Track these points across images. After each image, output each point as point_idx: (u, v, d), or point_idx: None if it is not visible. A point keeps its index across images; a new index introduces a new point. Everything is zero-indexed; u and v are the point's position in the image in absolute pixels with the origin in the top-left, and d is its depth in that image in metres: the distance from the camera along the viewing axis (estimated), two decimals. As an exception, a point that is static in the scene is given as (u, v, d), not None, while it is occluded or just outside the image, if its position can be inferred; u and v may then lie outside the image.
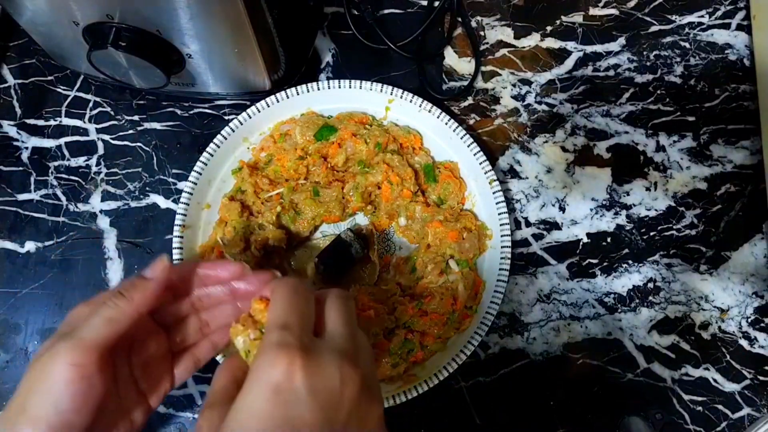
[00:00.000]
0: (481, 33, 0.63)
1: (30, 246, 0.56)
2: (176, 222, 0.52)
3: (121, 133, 0.59)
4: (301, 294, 0.34)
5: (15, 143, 0.58)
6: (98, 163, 0.58)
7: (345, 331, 0.33)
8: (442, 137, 0.56)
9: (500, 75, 0.62)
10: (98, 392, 0.31)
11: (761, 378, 0.54)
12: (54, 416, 0.30)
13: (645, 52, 0.63)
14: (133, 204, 0.57)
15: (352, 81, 0.56)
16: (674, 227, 0.58)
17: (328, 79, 0.61)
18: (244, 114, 0.55)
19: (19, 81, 0.60)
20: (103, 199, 0.57)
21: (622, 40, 0.63)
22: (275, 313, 0.32)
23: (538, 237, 0.57)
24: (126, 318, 0.33)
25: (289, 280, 0.35)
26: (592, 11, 0.64)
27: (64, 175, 0.58)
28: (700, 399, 0.54)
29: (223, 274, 0.39)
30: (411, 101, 0.55)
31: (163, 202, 0.57)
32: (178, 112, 0.60)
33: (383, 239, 0.56)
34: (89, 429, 0.32)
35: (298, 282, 0.34)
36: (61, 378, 0.30)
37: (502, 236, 0.53)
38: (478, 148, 0.55)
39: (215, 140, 0.54)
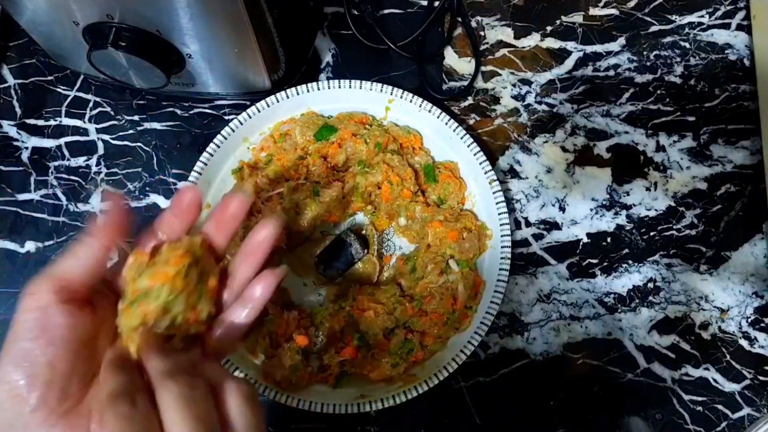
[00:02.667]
0: (481, 33, 0.63)
1: (30, 246, 0.56)
2: (176, 222, 0.52)
3: (121, 133, 0.59)
4: (200, 402, 0.27)
5: (15, 143, 0.58)
6: (98, 163, 0.58)
7: None
8: (442, 137, 0.56)
9: (500, 75, 0.62)
10: (58, 324, 0.29)
11: (761, 378, 0.54)
12: (13, 344, 0.29)
13: (645, 52, 0.63)
14: (133, 204, 0.57)
15: (352, 81, 0.56)
16: (674, 227, 0.58)
17: (328, 79, 0.61)
18: (244, 114, 0.55)
19: (19, 81, 0.60)
20: (103, 199, 0.57)
21: (622, 40, 0.63)
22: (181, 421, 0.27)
23: (538, 237, 0.57)
24: (87, 250, 0.30)
25: (180, 381, 0.28)
26: (592, 11, 0.64)
27: (64, 175, 0.58)
28: (700, 399, 0.54)
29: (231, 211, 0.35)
30: (411, 101, 0.55)
31: (163, 202, 0.57)
32: (178, 112, 0.60)
33: (383, 239, 0.56)
34: (67, 370, 0.29)
35: (191, 381, 0.28)
36: (19, 308, 0.30)
37: (502, 236, 0.53)
38: (478, 148, 0.55)
39: (215, 140, 0.54)
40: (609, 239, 0.57)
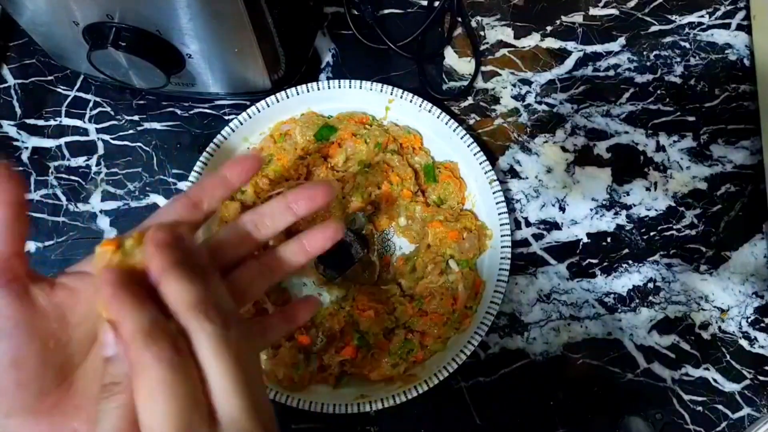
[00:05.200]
0: (481, 33, 0.63)
1: (30, 246, 0.56)
2: (176, 222, 0.52)
3: (121, 133, 0.59)
4: (184, 372, 0.24)
5: (15, 143, 0.58)
6: (98, 163, 0.58)
7: (242, 408, 0.25)
8: (442, 137, 0.56)
9: (500, 75, 0.62)
10: (8, 313, 0.27)
11: (761, 378, 0.54)
12: None
13: (645, 52, 0.63)
14: (133, 204, 0.57)
15: (352, 81, 0.56)
16: (674, 227, 0.58)
17: (328, 79, 0.61)
18: (244, 114, 0.55)
19: (19, 81, 0.60)
20: (103, 199, 0.57)
21: (622, 40, 0.63)
22: (155, 418, 0.24)
23: (538, 237, 0.57)
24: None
25: (165, 355, 0.24)
26: (592, 11, 0.64)
27: (64, 175, 0.58)
28: (700, 399, 0.54)
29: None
30: (411, 101, 0.55)
31: (163, 202, 0.57)
32: (178, 112, 0.60)
33: (383, 239, 0.56)
34: (36, 365, 0.27)
35: (173, 350, 0.25)
36: None
37: (502, 236, 0.53)
38: (478, 148, 0.55)
39: (215, 140, 0.54)
40: (609, 239, 0.57)
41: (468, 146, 0.55)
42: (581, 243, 0.57)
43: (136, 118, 0.59)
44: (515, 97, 0.61)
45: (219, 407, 0.25)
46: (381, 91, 0.56)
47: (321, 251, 0.35)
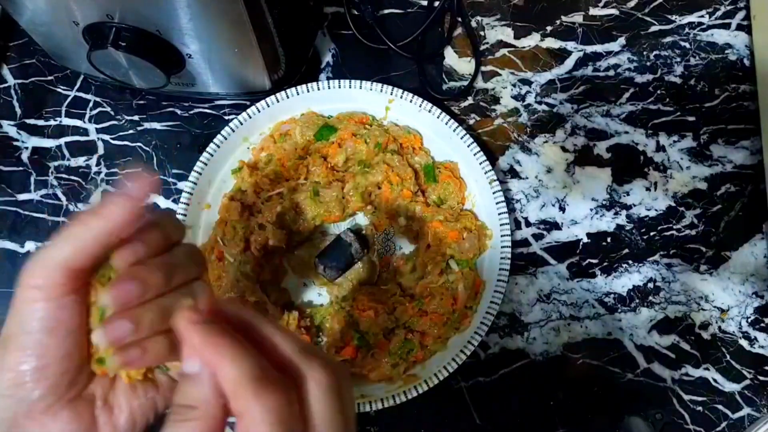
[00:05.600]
0: (481, 33, 0.63)
1: (30, 246, 0.56)
2: (176, 222, 0.52)
3: (121, 133, 0.59)
4: (293, 417, 0.24)
5: (15, 143, 0.58)
6: (98, 163, 0.58)
7: None
8: (442, 137, 0.56)
9: (500, 75, 0.62)
10: (73, 315, 0.28)
11: (761, 378, 0.54)
12: (22, 336, 0.27)
13: (645, 52, 0.62)
14: (133, 204, 0.57)
15: (352, 81, 0.56)
16: (674, 227, 0.58)
17: (328, 79, 0.61)
18: (244, 114, 0.55)
19: (19, 81, 0.60)
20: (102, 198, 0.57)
21: (622, 40, 0.63)
22: None
23: (538, 237, 0.57)
24: (93, 235, 0.27)
25: (272, 405, 0.24)
26: (592, 11, 0.64)
27: (64, 175, 0.58)
28: (700, 399, 0.54)
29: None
30: (411, 101, 0.55)
31: (163, 202, 0.57)
32: (178, 112, 0.60)
33: (383, 239, 0.56)
34: (80, 360, 0.28)
35: (283, 399, 0.24)
36: (24, 299, 0.27)
37: (502, 236, 0.53)
38: (478, 148, 0.55)
39: (215, 140, 0.54)
40: (609, 239, 0.57)
41: (468, 146, 0.55)
42: (581, 243, 0.57)
43: (136, 118, 0.59)
44: (515, 97, 0.61)
45: None
46: (381, 91, 0.56)
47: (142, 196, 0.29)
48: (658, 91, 0.61)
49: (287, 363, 0.26)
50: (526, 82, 0.62)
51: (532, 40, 0.63)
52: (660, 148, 0.60)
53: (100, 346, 0.28)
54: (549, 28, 0.63)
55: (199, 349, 0.25)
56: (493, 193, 0.54)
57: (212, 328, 0.25)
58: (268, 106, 0.55)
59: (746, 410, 0.53)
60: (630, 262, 0.57)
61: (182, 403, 0.25)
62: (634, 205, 0.58)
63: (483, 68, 0.62)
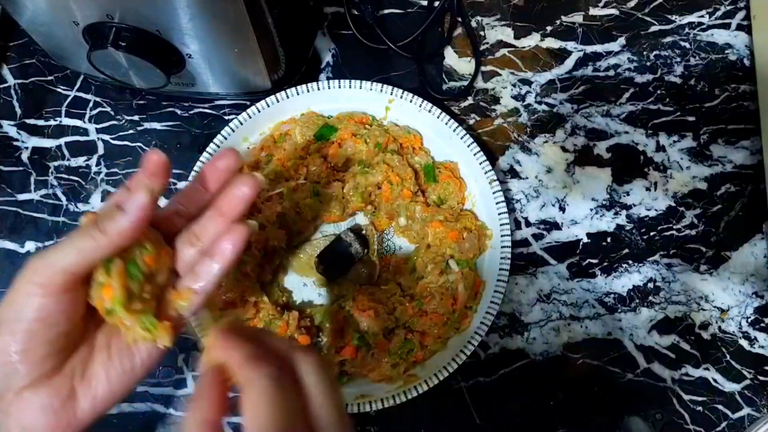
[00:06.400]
0: (481, 33, 0.63)
1: (30, 246, 0.56)
2: (176, 222, 0.52)
3: (121, 133, 0.59)
4: (286, 387, 0.28)
5: (15, 143, 0.58)
6: (98, 163, 0.58)
7: (338, 419, 0.30)
8: (442, 137, 0.56)
9: (500, 75, 0.62)
10: (66, 308, 0.31)
11: (761, 378, 0.54)
12: (15, 322, 0.30)
13: (645, 52, 0.63)
14: (133, 204, 0.57)
15: (352, 81, 0.56)
16: (674, 227, 0.58)
17: (328, 79, 0.61)
18: (244, 114, 0.55)
19: (19, 81, 0.60)
20: (103, 199, 0.57)
21: (622, 40, 0.63)
22: (259, 420, 0.27)
23: (538, 237, 0.57)
24: (98, 251, 0.31)
25: (268, 372, 0.28)
26: (592, 11, 0.64)
27: (64, 175, 0.58)
28: (700, 399, 0.54)
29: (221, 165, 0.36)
30: (411, 101, 0.55)
31: (162, 202, 0.57)
32: (178, 112, 0.60)
33: (383, 239, 0.56)
34: (64, 345, 0.32)
35: (277, 370, 0.28)
36: (24, 292, 0.31)
37: (502, 236, 0.53)
38: (478, 148, 0.55)
39: (215, 140, 0.54)
40: (609, 239, 0.57)
41: (468, 146, 0.55)
42: (581, 243, 0.57)
43: (136, 118, 0.59)
44: (515, 97, 0.61)
45: (320, 421, 0.29)
46: (381, 91, 0.56)
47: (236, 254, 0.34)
48: (658, 91, 0.61)
49: (283, 353, 0.31)
50: (526, 82, 0.62)
51: (532, 40, 0.63)
52: (660, 148, 0.60)
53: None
54: (549, 28, 0.63)
55: (221, 345, 0.30)
56: (493, 193, 0.54)
57: (229, 331, 0.31)
58: (268, 106, 0.55)
59: (746, 410, 0.53)
60: (630, 262, 0.57)
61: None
62: (634, 205, 0.58)
63: (483, 68, 0.62)
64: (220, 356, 0.30)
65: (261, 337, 0.32)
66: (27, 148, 0.58)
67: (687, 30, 0.63)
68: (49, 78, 0.60)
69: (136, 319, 0.32)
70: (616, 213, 0.58)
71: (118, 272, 0.31)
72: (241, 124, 0.55)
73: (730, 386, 0.54)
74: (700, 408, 0.53)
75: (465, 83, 0.61)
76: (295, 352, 0.31)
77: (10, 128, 0.59)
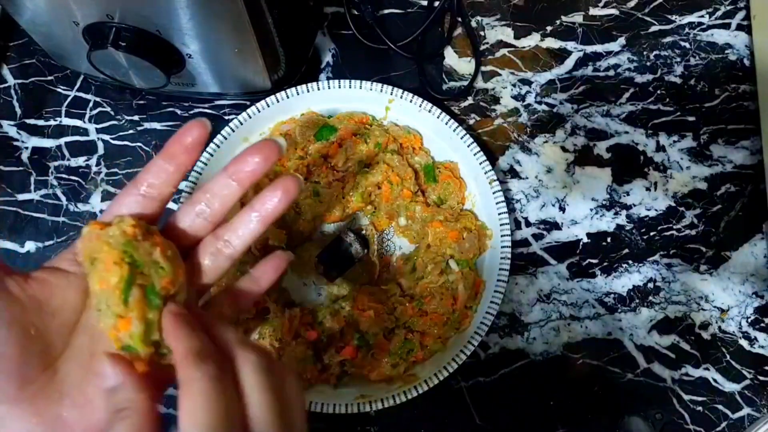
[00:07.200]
0: (481, 33, 0.63)
1: (30, 246, 0.56)
2: (176, 222, 0.52)
3: (121, 133, 0.59)
4: (226, 390, 0.27)
5: (15, 143, 0.58)
6: (98, 163, 0.58)
7: (278, 426, 0.28)
8: (442, 137, 0.56)
9: (500, 75, 0.62)
10: (27, 309, 0.28)
11: (761, 378, 0.54)
12: None
13: (645, 52, 0.63)
14: (133, 204, 0.57)
15: (352, 81, 0.56)
16: (674, 227, 0.58)
17: (328, 79, 0.61)
18: (244, 114, 0.55)
19: (19, 81, 0.60)
20: (103, 199, 0.57)
21: (622, 40, 0.63)
22: (193, 424, 0.26)
23: (538, 237, 0.57)
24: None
25: (209, 372, 0.27)
26: (592, 11, 0.64)
27: (64, 175, 0.58)
28: (700, 399, 0.54)
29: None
30: (411, 101, 0.55)
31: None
32: (178, 112, 0.60)
33: (383, 239, 0.56)
34: (17, 353, 0.28)
35: (218, 370, 0.27)
36: None
37: (502, 236, 0.53)
38: (478, 148, 0.55)
39: (215, 140, 0.54)
40: (609, 239, 0.57)
41: (468, 146, 0.55)
42: (581, 243, 0.57)
43: (136, 118, 0.59)
44: (515, 97, 0.61)
45: (257, 426, 0.27)
46: (381, 91, 0.56)
47: (271, 283, 0.36)
48: (658, 91, 0.61)
49: (228, 349, 0.29)
50: (526, 82, 0.62)
51: (532, 40, 0.63)
52: (660, 148, 0.60)
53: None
54: (549, 28, 0.63)
55: (166, 331, 0.29)
56: (493, 193, 0.54)
57: (179, 318, 0.29)
58: (268, 106, 0.55)
59: (746, 410, 0.53)
60: (630, 262, 0.57)
61: (114, 409, 0.27)
62: (634, 205, 0.58)
63: (483, 68, 0.62)
64: (169, 341, 0.29)
65: (209, 326, 0.30)
66: (27, 148, 0.58)
67: (687, 30, 0.63)
68: (49, 78, 0.60)
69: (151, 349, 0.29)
70: (616, 213, 0.58)
71: (137, 302, 0.28)
72: (241, 124, 0.55)
73: (730, 386, 0.54)
74: (700, 408, 0.53)
75: (465, 83, 0.61)
76: (239, 349, 0.29)
77: (10, 128, 0.59)
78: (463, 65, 0.62)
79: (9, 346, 0.28)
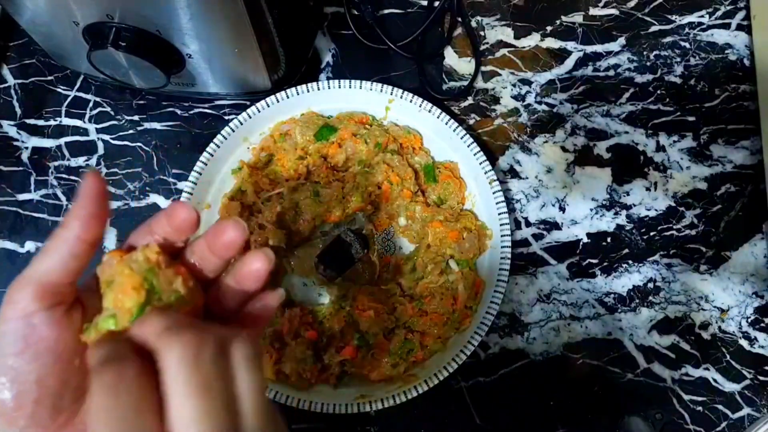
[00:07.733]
0: (481, 33, 0.63)
1: (30, 246, 0.56)
2: (176, 222, 0.52)
3: (121, 133, 0.59)
4: (123, 396, 0.23)
5: (15, 143, 0.58)
6: (98, 163, 0.58)
7: (200, 417, 0.23)
8: (442, 137, 0.56)
9: (500, 75, 0.62)
10: (45, 335, 0.26)
11: (761, 378, 0.54)
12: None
13: (645, 52, 0.63)
14: (133, 204, 0.57)
15: (352, 81, 0.56)
16: (674, 227, 0.58)
17: (328, 79, 0.61)
18: (244, 114, 0.55)
19: (19, 81, 0.60)
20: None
21: (622, 40, 0.63)
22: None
23: (538, 237, 0.57)
24: (66, 247, 0.27)
25: (186, 337, 0.24)
26: (592, 11, 0.64)
27: (64, 175, 0.58)
28: (700, 399, 0.54)
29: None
30: (411, 101, 0.55)
31: (163, 202, 0.57)
32: (178, 112, 0.60)
33: (383, 239, 0.56)
34: (57, 385, 0.27)
35: (199, 338, 0.24)
36: (2, 318, 0.27)
37: (502, 236, 0.53)
38: (478, 148, 0.55)
39: (215, 140, 0.54)
40: (609, 239, 0.57)
41: (468, 146, 0.55)
42: (581, 243, 0.57)
43: (136, 118, 0.59)
44: (515, 97, 0.61)
45: (175, 423, 0.24)
46: (381, 91, 0.56)
47: (256, 287, 0.31)
48: (658, 91, 0.61)
49: (150, 346, 0.25)
50: (526, 82, 0.62)
51: (532, 40, 0.63)
52: (660, 148, 0.60)
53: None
54: (549, 28, 0.63)
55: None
56: (493, 193, 0.54)
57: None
58: (268, 106, 0.55)
59: (746, 410, 0.53)
60: (630, 262, 0.57)
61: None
62: (634, 205, 0.58)
63: (483, 68, 0.62)
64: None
65: (142, 320, 0.26)
66: (27, 148, 0.58)
67: (687, 30, 0.63)
68: (49, 78, 0.60)
69: None
70: (616, 213, 0.58)
71: None
72: (241, 124, 0.55)
73: (730, 386, 0.54)
74: (700, 408, 0.53)
75: (465, 83, 0.61)
76: (162, 345, 0.25)
77: (10, 128, 0.59)
78: (463, 65, 0.62)
79: (52, 377, 0.27)
